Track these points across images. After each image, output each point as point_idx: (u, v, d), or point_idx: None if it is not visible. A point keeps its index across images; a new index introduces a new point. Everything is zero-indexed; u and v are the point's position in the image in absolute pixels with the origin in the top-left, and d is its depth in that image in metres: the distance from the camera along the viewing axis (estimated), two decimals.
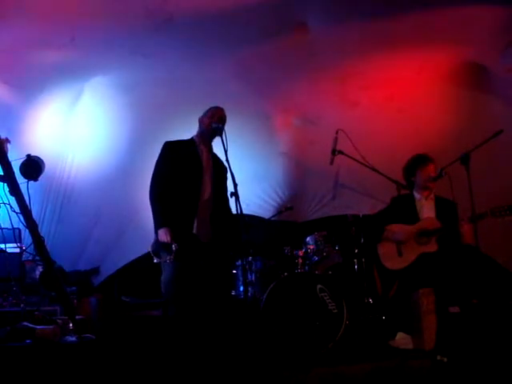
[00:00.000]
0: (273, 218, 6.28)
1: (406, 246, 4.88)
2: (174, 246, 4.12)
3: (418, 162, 5.07)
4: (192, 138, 4.57)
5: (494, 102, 5.94)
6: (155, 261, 4.23)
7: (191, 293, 4.25)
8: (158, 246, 4.20)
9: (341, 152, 5.80)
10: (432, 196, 5.03)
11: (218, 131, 4.29)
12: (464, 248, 4.74)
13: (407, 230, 4.91)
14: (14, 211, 4.13)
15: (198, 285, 4.29)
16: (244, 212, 4.19)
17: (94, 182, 6.31)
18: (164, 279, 4.28)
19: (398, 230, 4.95)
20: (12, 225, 4.49)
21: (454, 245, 4.78)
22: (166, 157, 4.45)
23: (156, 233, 4.25)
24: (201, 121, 4.55)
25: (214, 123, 4.39)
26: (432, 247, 4.81)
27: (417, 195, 5.07)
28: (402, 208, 5.06)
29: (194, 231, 4.34)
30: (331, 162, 5.86)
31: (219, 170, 4.54)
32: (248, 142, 6.23)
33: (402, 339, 4.74)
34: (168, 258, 4.14)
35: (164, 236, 4.17)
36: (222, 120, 4.43)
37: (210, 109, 4.55)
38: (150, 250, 4.24)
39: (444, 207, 4.96)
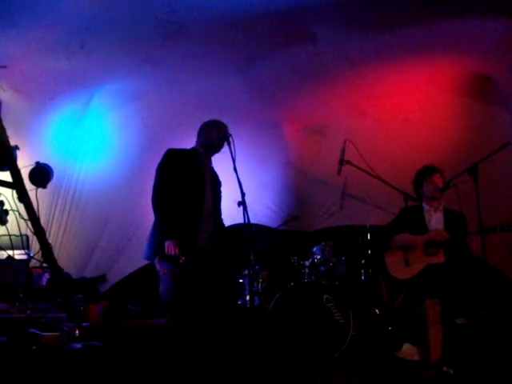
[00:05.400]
0: (280, 228, 6.28)
1: (414, 256, 4.86)
2: (182, 259, 4.07)
3: (423, 174, 5.06)
4: (195, 149, 4.49)
5: (502, 114, 5.94)
6: (162, 273, 4.15)
7: (192, 304, 4.18)
8: (164, 258, 4.12)
9: (348, 162, 5.80)
10: (441, 208, 5.01)
11: (226, 140, 4.27)
12: (472, 260, 4.72)
13: (415, 239, 4.89)
14: (23, 218, 4.15)
15: (199, 296, 4.22)
16: (251, 221, 4.19)
17: (101, 189, 6.34)
18: (164, 290, 4.19)
19: (405, 238, 4.94)
20: (20, 231, 4.53)
21: (462, 257, 4.76)
22: (170, 165, 4.33)
23: (158, 243, 4.17)
24: (207, 134, 4.47)
25: (222, 133, 4.35)
26: (440, 258, 4.78)
27: (426, 207, 5.04)
28: (410, 219, 5.03)
29: (197, 244, 4.26)
30: (339, 172, 5.86)
31: (217, 184, 4.55)
32: (255, 151, 6.24)
33: (408, 350, 4.71)
34: (175, 270, 4.08)
35: (172, 248, 4.08)
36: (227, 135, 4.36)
37: (216, 123, 4.48)
38: (156, 260, 4.15)
39: (453, 219, 4.93)
